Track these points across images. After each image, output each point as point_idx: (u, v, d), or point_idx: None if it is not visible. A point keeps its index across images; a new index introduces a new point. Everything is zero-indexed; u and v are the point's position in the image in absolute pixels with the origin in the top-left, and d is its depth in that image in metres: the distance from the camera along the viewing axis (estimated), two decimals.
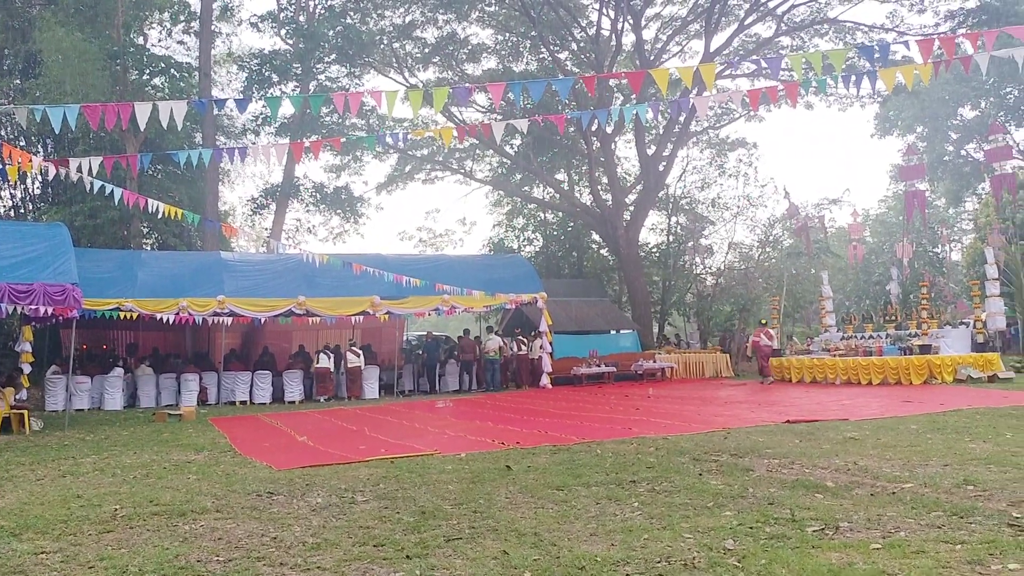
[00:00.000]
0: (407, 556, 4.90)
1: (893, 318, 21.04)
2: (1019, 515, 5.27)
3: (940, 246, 35.02)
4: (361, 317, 20.67)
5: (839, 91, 30.79)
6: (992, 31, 6.59)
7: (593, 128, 29.29)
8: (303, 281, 20.24)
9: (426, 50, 30.91)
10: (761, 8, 28.93)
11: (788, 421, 11.36)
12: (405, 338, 25.91)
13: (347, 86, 29.05)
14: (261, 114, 29.42)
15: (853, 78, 7.87)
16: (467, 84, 26.26)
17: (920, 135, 44.37)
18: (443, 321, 39.84)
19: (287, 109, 28.68)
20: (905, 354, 18.77)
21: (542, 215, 36.31)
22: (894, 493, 6.17)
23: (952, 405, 12.64)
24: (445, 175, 36.07)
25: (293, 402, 19.55)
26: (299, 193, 31.82)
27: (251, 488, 7.42)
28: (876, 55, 6.90)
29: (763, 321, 24.10)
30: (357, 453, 9.60)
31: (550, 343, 22.39)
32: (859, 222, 30.70)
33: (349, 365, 20.37)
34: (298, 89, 28.17)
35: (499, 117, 29.35)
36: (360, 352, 20.75)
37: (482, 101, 31.72)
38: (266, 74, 27.74)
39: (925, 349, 18.63)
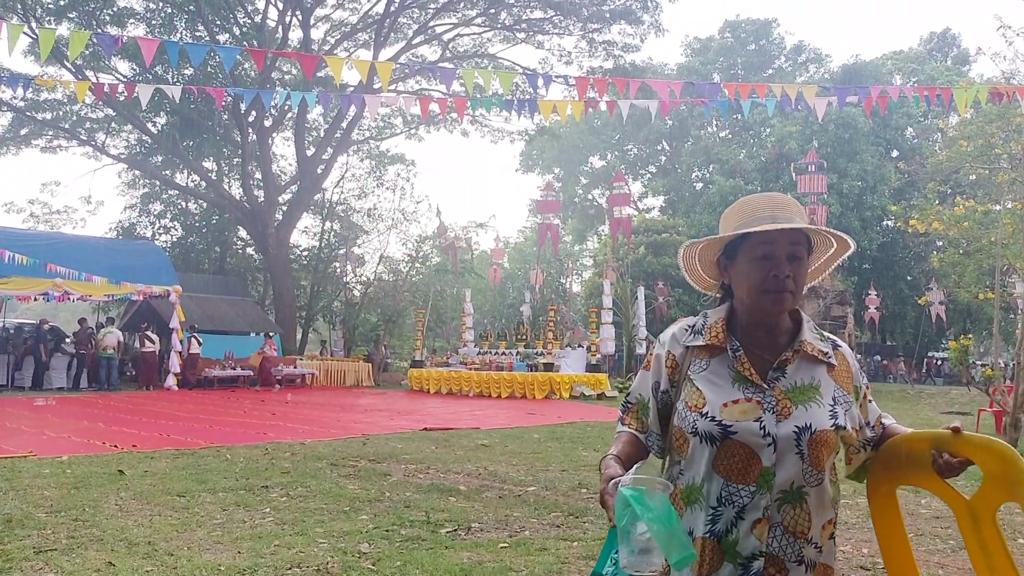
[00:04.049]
0: None
1: (524, 337, 22.81)
2: None
3: (565, 277, 39.00)
4: None
5: (493, 124, 32.90)
6: (636, 80, 7.44)
7: (250, 119, 27.90)
8: None
9: (61, 2, 26.96)
10: (428, 31, 29.98)
11: (426, 428, 11.68)
12: (1, 325, 22.31)
13: None
14: None
15: (516, 103, 8.38)
16: (115, 34, 23.16)
17: (557, 176, 49.16)
18: (53, 308, 34.94)
19: None
20: (532, 371, 20.49)
21: (184, 203, 33.57)
22: (520, 496, 6.51)
23: (568, 418, 14.02)
24: (71, 145, 31.62)
25: None
26: None
27: None
28: (540, 82, 7.45)
29: (271, 334, 23.68)
30: None
31: (180, 341, 20.71)
32: (500, 247, 33.07)
33: None
34: None
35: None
36: None
37: (124, 70, 28.48)
38: None
39: (548, 367, 20.52)
